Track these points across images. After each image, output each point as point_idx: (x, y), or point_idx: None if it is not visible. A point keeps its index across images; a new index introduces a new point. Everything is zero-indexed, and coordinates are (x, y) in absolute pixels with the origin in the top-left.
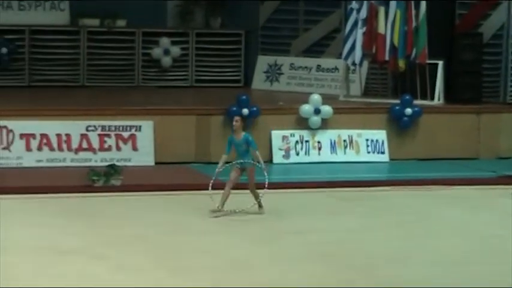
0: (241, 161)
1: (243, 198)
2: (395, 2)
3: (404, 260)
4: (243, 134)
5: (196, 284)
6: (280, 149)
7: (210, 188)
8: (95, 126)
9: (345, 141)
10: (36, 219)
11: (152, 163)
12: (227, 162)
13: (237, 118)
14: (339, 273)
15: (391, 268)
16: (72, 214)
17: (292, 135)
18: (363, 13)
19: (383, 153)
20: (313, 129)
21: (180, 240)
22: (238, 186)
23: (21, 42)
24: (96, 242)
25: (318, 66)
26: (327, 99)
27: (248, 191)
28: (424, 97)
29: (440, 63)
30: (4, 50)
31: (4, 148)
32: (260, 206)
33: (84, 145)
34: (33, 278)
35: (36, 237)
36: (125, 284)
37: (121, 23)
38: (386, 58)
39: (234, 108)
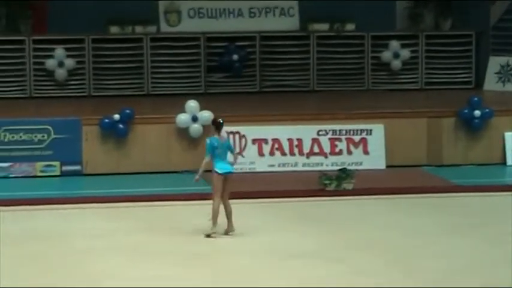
0: (228, 170)
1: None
2: None
3: None
4: (224, 135)
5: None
6: None
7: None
8: (325, 131)
9: None
10: (270, 223)
11: (383, 166)
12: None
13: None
14: None
15: None
16: (305, 218)
17: None
18: None
19: None
20: None
21: (412, 243)
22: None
23: (252, 49)
24: (331, 245)
25: None
26: None
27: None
28: None
29: None
30: (235, 57)
31: (237, 153)
32: (229, 219)
33: (316, 149)
34: (271, 280)
35: (272, 241)
36: (362, 285)
37: (350, 26)
38: None
39: (466, 111)
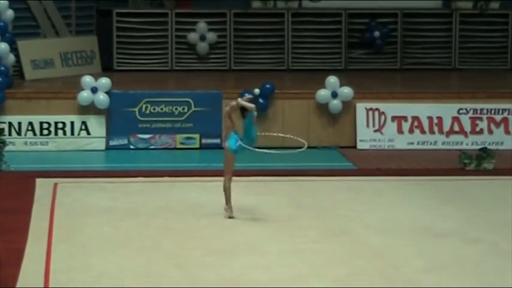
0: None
1: None
2: None
3: None
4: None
5: None
6: None
7: None
8: (466, 109)
9: None
10: (409, 201)
11: None
12: None
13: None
14: None
15: None
16: (445, 197)
17: None
18: None
19: None
20: None
21: None
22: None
23: (393, 26)
24: (469, 225)
25: None
26: None
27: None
28: None
29: None
30: (377, 34)
31: (376, 130)
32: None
33: (456, 128)
34: (409, 258)
35: (410, 219)
36: (500, 266)
37: (494, 5)
38: None
39: None
